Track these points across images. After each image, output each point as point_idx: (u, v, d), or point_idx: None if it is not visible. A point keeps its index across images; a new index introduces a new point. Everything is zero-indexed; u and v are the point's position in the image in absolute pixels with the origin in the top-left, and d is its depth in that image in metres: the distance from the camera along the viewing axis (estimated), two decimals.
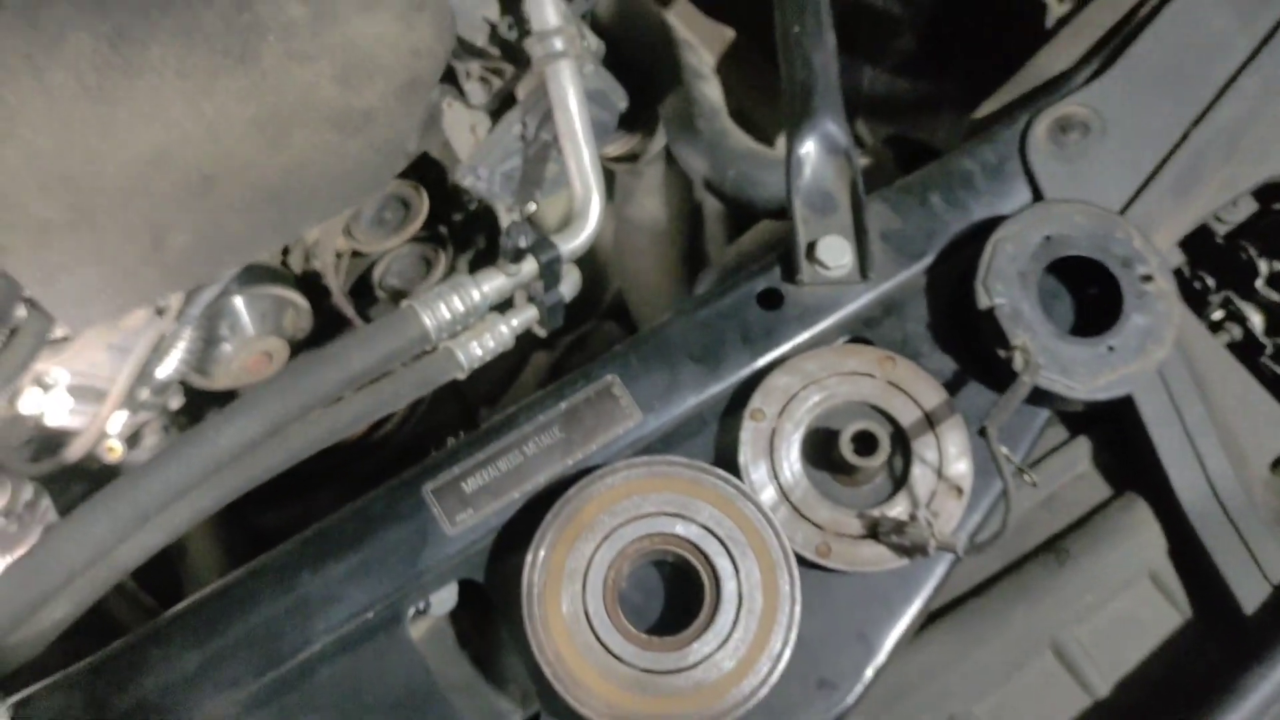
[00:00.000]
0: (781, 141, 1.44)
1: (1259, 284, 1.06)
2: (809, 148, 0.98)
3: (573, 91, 1.13)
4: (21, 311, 1.07)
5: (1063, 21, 1.11)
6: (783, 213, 1.21)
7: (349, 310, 1.46)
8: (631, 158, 1.44)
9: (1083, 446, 0.98)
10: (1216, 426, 0.93)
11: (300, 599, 0.85)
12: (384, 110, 1.10)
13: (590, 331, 1.88)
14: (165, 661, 0.83)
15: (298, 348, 1.46)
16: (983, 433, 0.84)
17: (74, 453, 1.28)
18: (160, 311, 1.21)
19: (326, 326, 1.50)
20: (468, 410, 1.72)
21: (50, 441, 1.29)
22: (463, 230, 1.58)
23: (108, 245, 1.04)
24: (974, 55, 1.20)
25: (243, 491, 0.99)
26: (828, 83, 0.99)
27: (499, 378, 1.83)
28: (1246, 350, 1.06)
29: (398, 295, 1.55)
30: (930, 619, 0.92)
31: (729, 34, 1.67)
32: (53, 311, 1.05)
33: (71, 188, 1.00)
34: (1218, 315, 1.08)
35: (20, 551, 1.19)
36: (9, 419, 1.23)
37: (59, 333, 1.14)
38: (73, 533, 0.90)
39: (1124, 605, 0.92)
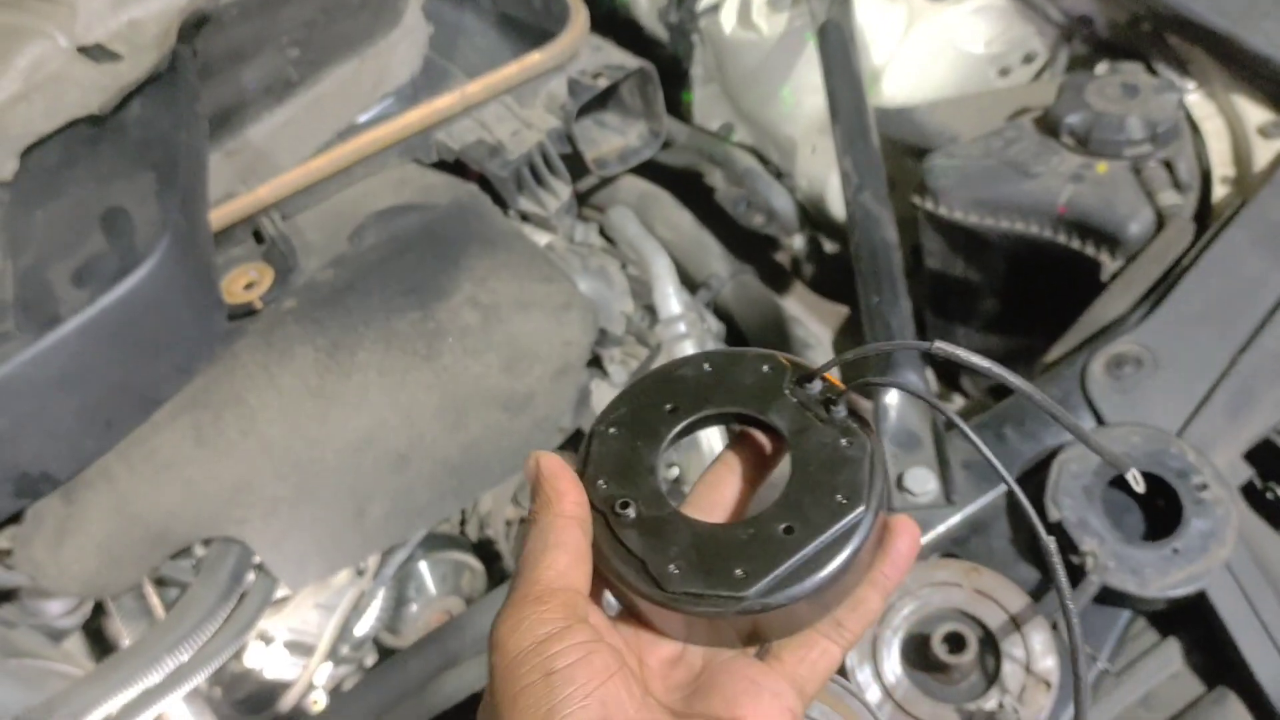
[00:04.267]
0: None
1: None
2: (893, 396, 1.15)
3: None
4: (251, 575, 1.29)
5: (1115, 276, 1.28)
6: None
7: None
8: None
9: (1174, 647, 1.06)
10: None
11: None
12: (542, 392, 1.33)
13: None
14: None
15: None
16: (1054, 627, 0.95)
17: (286, 703, 1.48)
18: (360, 572, 1.43)
19: (498, 586, 1.69)
20: None
21: (266, 694, 1.49)
22: None
23: (322, 516, 1.27)
24: (1048, 311, 1.36)
25: None
26: (905, 340, 1.17)
27: None
28: None
29: None
30: None
31: (844, 310, 1.89)
32: (277, 574, 1.28)
33: (297, 470, 1.24)
34: None
35: None
36: (238, 674, 1.44)
37: (279, 593, 1.36)
38: None
39: None
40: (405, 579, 1.57)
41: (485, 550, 1.67)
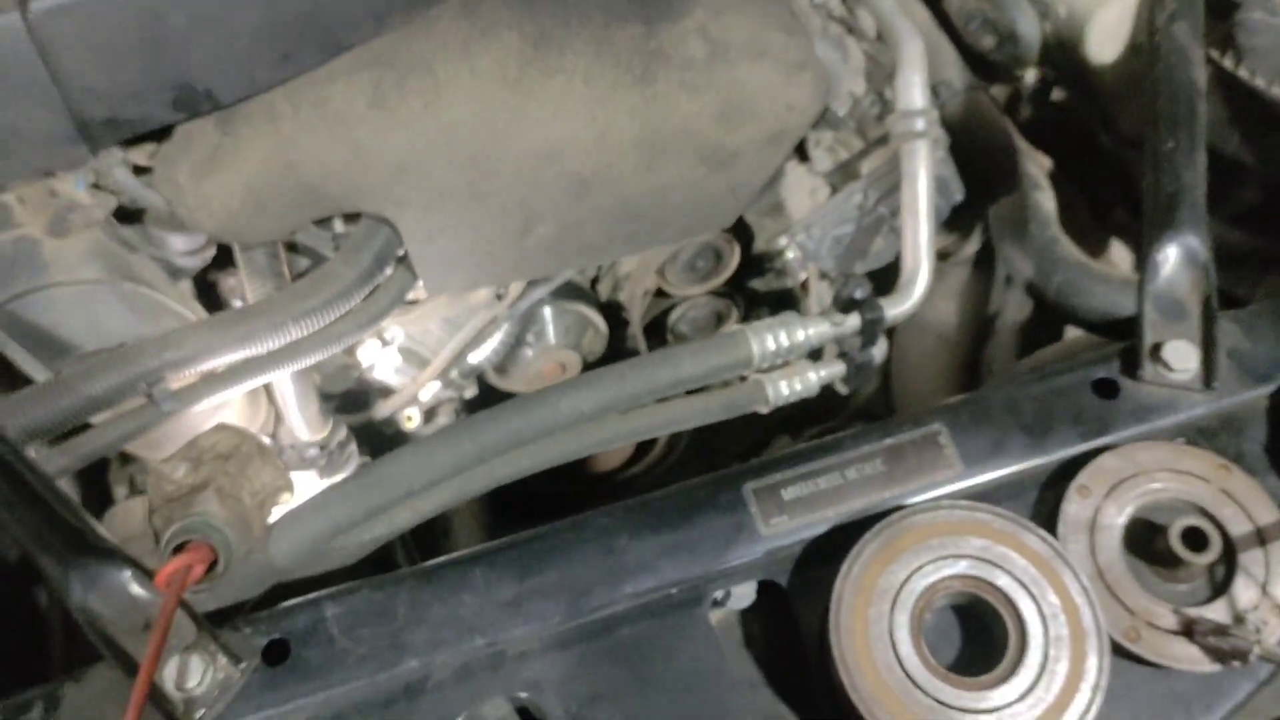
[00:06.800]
0: (1110, 257, 1.47)
1: None
2: (1167, 254, 1.00)
3: (924, 170, 1.19)
4: (389, 269, 1.17)
5: None
6: (1101, 327, 1.23)
7: (642, 345, 1.54)
8: (941, 256, 1.48)
9: None
10: None
11: (616, 560, 0.90)
12: (749, 154, 1.18)
13: (838, 428, 1.89)
14: (487, 584, 0.89)
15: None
16: None
17: (383, 410, 1.39)
18: (500, 297, 1.32)
19: (615, 355, 1.58)
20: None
21: (366, 395, 1.40)
22: (755, 297, 1.65)
23: (486, 222, 1.14)
24: None
25: (559, 462, 1.06)
26: (1195, 198, 1.02)
27: (747, 448, 1.88)
28: None
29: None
30: None
31: (1046, 163, 1.71)
32: (420, 272, 1.16)
33: (473, 163, 1.11)
34: None
35: (329, 480, 1.29)
36: (342, 366, 1.34)
37: (410, 296, 1.24)
38: (419, 454, 0.98)
39: None
40: (527, 321, 1.46)
41: (611, 314, 1.56)
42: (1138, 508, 0.89)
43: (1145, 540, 0.88)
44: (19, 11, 0.93)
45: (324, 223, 1.21)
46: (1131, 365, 0.97)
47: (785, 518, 0.92)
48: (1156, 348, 0.97)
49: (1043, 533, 0.86)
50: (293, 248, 1.25)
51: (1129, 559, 0.88)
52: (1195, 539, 0.85)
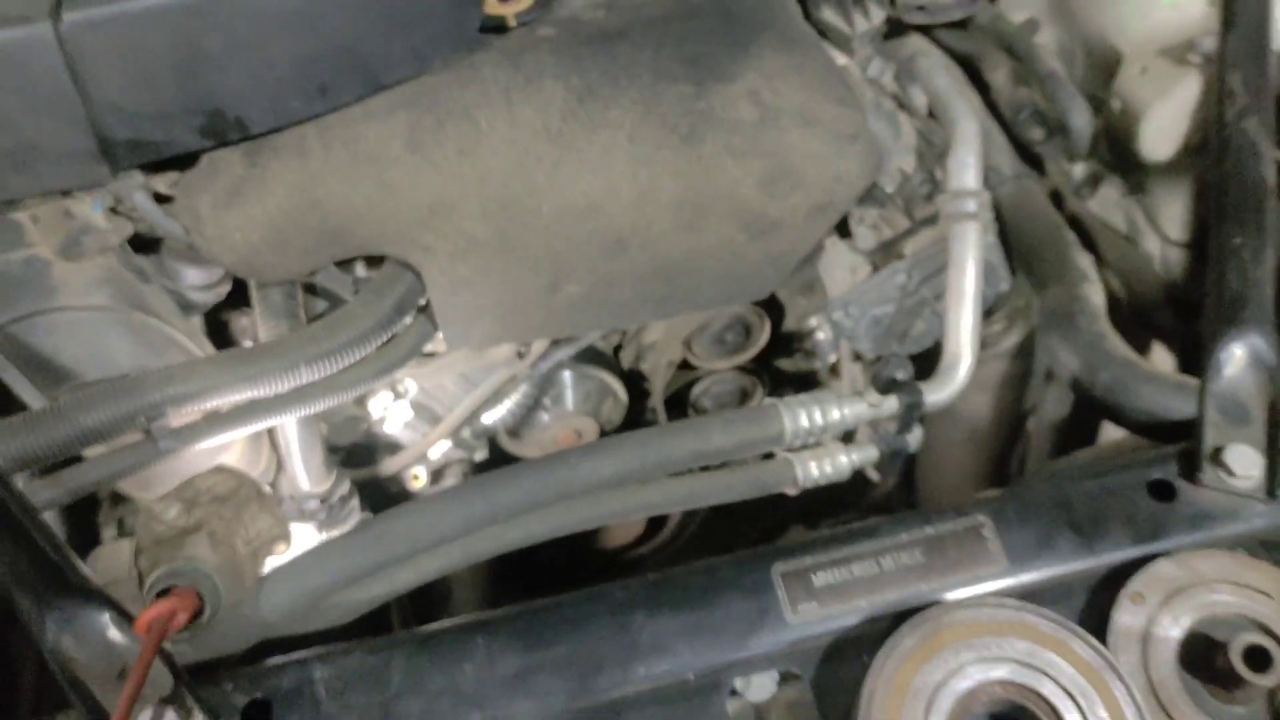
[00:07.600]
0: (1152, 358, 1.42)
1: None
2: (1231, 353, 0.95)
3: (974, 254, 1.14)
4: (409, 318, 1.13)
5: None
6: (1148, 429, 1.18)
7: (663, 417, 1.48)
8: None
9: None
10: None
11: (630, 639, 0.84)
12: (792, 224, 1.14)
13: (855, 521, 1.83)
14: (489, 654, 0.83)
15: None
16: None
17: (390, 466, 1.34)
18: (521, 355, 1.27)
19: (634, 427, 1.52)
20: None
21: (373, 449, 1.34)
22: (782, 377, 1.60)
23: (514, 275, 1.10)
24: None
25: (572, 530, 1.00)
26: (1262, 297, 0.97)
27: (759, 537, 1.81)
28: None
29: None
30: None
31: (1087, 258, 1.67)
32: (441, 323, 1.11)
33: (505, 214, 1.07)
34: None
35: (327, 536, 1.23)
36: (351, 417, 1.29)
37: (428, 348, 1.19)
38: (427, 511, 0.93)
39: None
40: (546, 384, 1.41)
41: (632, 383, 1.51)
42: (1195, 620, 0.83)
43: (1202, 656, 0.81)
44: (51, 21, 0.90)
45: (346, 265, 1.17)
46: (1190, 468, 0.92)
47: (814, 605, 0.86)
48: (1217, 451, 0.91)
49: (1093, 640, 0.80)
50: (311, 289, 1.20)
51: (1184, 675, 0.81)
52: (1258, 658, 0.78)
